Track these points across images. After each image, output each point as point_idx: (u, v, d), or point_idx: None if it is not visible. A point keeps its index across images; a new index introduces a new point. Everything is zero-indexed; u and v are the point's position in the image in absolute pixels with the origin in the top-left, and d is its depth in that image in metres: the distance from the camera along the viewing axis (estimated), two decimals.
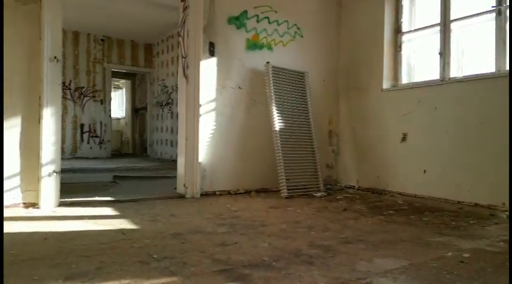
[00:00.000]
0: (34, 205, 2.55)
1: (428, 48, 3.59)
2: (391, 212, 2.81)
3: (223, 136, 3.45)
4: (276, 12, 3.73)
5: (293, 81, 3.80)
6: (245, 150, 3.59)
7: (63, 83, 7.99)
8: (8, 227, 2.09)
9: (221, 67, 3.43)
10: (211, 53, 3.37)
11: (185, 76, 3.29)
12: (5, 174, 2.47)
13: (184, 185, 3.25)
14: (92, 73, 8.38)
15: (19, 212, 2.44)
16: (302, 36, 3.95)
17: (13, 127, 2.49)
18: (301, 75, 3.87)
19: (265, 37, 3.70)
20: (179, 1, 3.37)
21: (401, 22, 3.77)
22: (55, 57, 2.61)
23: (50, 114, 2.59)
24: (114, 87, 12.20)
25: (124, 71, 9.40)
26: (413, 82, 3.68)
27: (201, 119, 3.28)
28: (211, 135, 3.38)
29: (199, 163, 3.27)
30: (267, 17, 3.69)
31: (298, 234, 2.15)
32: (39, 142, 2.55)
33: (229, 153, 3.49)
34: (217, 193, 3.41)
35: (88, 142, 8.38)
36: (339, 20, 4.21)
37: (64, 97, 8.00)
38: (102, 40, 8.49)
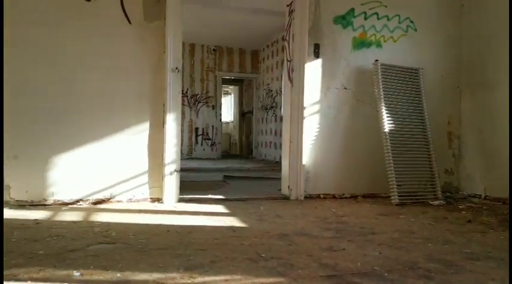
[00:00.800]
0: (159, 200, 2.88)
1: None
2: None
3: (327, 138, 3.39)
4: (385, 6, 3.51)
5: (405, 79, 3.52)
6: (350, 153, 3.45)
7: (182, 91, 8.89)
8: (139, 219, 2.40)
9: (326, 68, 3.38)
10: (316, 55, 3.34)
11: (290, 79, 3.33)
12: (137, 172, 2.85)
13: (288, 187, 3.29)
14: (205, 81, 9.14)
15: (147, 206, 2.79)
16: (416, 30, 3.63)
17: (143, 132, 2.87)
18: (414, 72, 3.56)
19: (373, 34, 3.51)
20: (285, 5, 3.43)
21: None
22: (176, 68, 2.91)
23: (172, 119, 2.91)
24: (224, 93, 13.10)
25: (232, 78, 10.02)
26: None
27: (305, 122, 3.28)
28: (315, 137, 3.35)
29: (303, 165, 3.27)
30: (376, 13, 3.49)
31: (413, 245, 1.97)
32: (163, 144, 2.88)
33: (334, 155, 3.41)
34: (321, 196, 3.36)
35: (201, 145, 9.16)
36: (461, 9, 3.75)
37: (182, 104, 8.89)
38: (214, 50, 9.19)
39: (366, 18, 3.47)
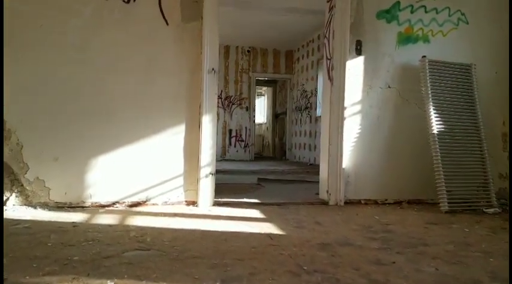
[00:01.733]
0: (194, 203, 2.82)
1: None
2: None
3: (369, 140, 3.19)
4: None
5: (455, 76, 3.25)
6: (394, 155, 3.23)
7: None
8: (174, 223, 2.34)
9: (368, 66, 3.18)
10: (358, 52, 3.15)
11: (330, 78, 3.17)
12: (172, 174, 2.80)
13: (327, 191, 3.12)
14: (239, 82, 9.11)
15: (182, 209, 2.73)
16: (467, 23, 3.35)
17: (179, 133, 2.81)
18: (466, 68, 3.28)
19: (420, 28, 3.27)
20: (325, 2, 3.27)
21: None
22: (213, 69, 2.84)
23: (208, 121, 2.83)
24: (257, 94, 13.04)
25: (266, 78, 9.93)
26: None
27: (345, 122, 3.10)
28: (355, 139, 3.16)
29: (343, 169, 3.09)
30: (423, 6, 3.25)
31: (472, 260, 1.76)
32: (198, 146, 2.81)
33: (376, 158, 3.20)
34: (362, 201, 3.16)
35: (235, 146, 9.13)
36: None
37: (217, 106, 8.92)
38: (248, 51, 9.14)
39: (412, 12, 3.24)
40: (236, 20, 7.12)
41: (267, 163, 8.37)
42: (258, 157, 10.31)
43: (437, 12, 3.29)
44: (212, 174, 2.86)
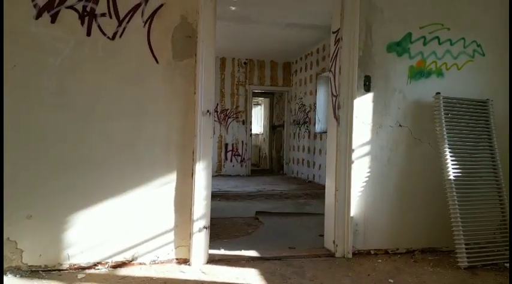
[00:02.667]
0: (186, 261, 2.52)
1: None
2: None
3: (379, 184, 2.92)
4: (448, 29, 3.00)
5: (471, 113, 2.99)
6: (406, 201, 2.97)
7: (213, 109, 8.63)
8: None
9: (378, 103, 2.91)
10: (367, 88, 2.88)
11: (336, 117, 2.89)
12: (161, 229, 2.50)
13: (333, 242, 2.85)
14: (235, 95, 8.82)
15: (173, 270, 2.43)
16: (483, 55, 3.09)
17: (169, 183, 2.52)
18: (482, 104, 3.02)
19: (433, 61, 3.00)
20: (331, 33, 3.00)
21: None
22: (208, 111, 2.55)
23: (202, 168, 2.54)
24: (253, 104, 12.76)
25: (263, 91, 9.65)
26: None
27: (353, 166, 2.83)
28: (364, 183, 2.89)
29: (351, 217, 2.82)
30: (437, 37, 2.99)
31: None
32: (191, 197, 2.52)
33: (386, 203, 2.93)
34: (372, 252, 2.89)
35: (231, 161, 8.84)
36: None
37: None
38: (245, 63, 8.87)
39: (425, 44, 2.97)
40: (233, 34, 6.85)
41: (264, 179, 8.08)
42: (255, 170, 10.02)
43: (451, 44, 3.03)
44: (206, 228, 2.57)
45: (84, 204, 2.38)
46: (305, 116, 8.21)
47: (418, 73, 2.99)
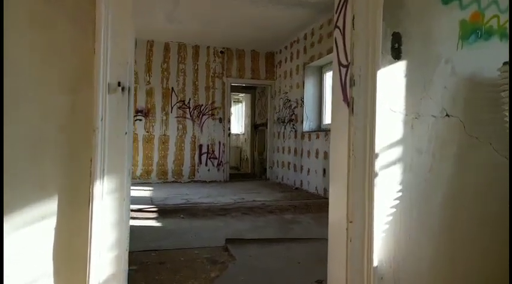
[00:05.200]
0: None
1: None
2: None
3: (416, 210, 1.80)
4: None
5: None
6: (457, 236, 1.86)
7: (183, 102, 7.42)
8: None
9: (413, 78, 1.80)
10: (396, 54, 1.77)
11: (347, 100, 1.76)
12: None
13: None
14: (211, 89, 7.64)
15: None
16: None
17: (43, 219, 1.34)
18: None
19: (495, 16, 1.92)
20: None
21: None
22: (119, 84, 1.38)
23: (109, 190, 1.38)
24: (233, 101, 11.61)
25: (243, 85, 8.49)
26: None
27: (376, 181, 1.71)
28: (394, 210, 1.77)
29: (376, 267, 1.69)
30: None
31: None
32: (87, 245, 1.34)
33: (429, 242, 1.82)
34: None
35: (206, 165, 7.64)
36: None
37: (183, 117, 7.43)
38: (221, 52, 7.70)
39: None
40: (206, 14, 5.68)
41: (244, 186, 6.93)
42: (235, 174, 8.85)
43: None
44: None
45: None
46: (291, 113, 7.10)
47: (473, 31, 1.89)
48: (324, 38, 5.81)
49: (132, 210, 4.41)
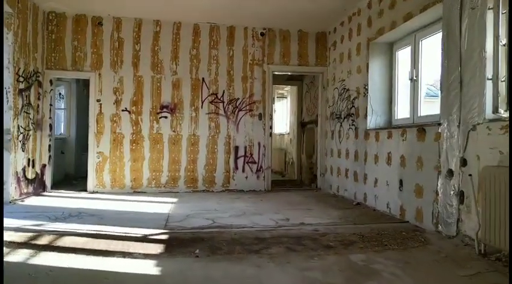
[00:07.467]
0: None
1: None
2: None
3: None
4: None
5: None
6: None
7: (215, 95, 6.14)
8: None
9: None
10: None
11: None
12: None
13: None
14: (249, 79, 6.30)
15: None
16: None
17: None
18: None
19: None
20: None
21: None
22: None
23: None
24: (277, 96, 10.19)
25: (289, 73, 7.05)
26: None
27: None
28: None
29: None
30: None
31: None
32: None
33: None
34: None
35: (243, 170, 6.31)
36: None
37: (216, 113, 6.16)
38: (262, 34, 6.33)
39: None
40: None
41: (290, 198, 5.49)
42: (278, 181, 7.44)
43: None
44: None
45: None
46: (349, 106, 5.54)
47: None
48: (399, 0, 4.21)
49: (131, 239, 3.08)
